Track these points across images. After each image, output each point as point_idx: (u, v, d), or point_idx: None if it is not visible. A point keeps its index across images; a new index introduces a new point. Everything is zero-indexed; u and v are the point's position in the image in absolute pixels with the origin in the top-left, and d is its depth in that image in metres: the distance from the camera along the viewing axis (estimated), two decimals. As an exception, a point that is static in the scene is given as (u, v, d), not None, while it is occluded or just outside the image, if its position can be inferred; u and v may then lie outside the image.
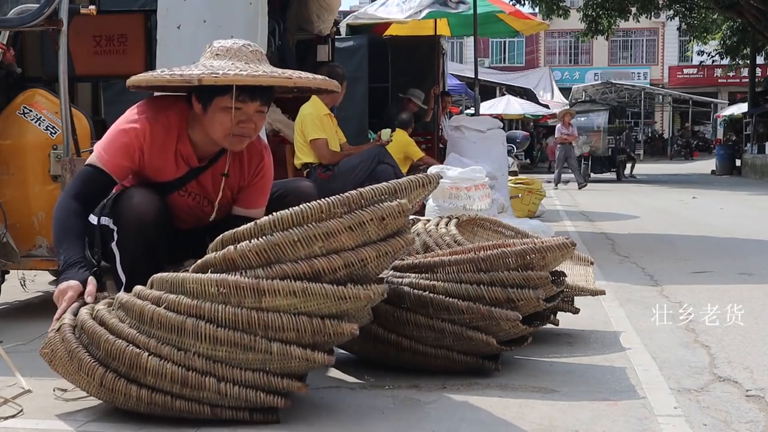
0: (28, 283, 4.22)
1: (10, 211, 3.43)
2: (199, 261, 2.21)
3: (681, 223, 8.48)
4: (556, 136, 16.12)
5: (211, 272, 2.16)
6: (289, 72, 2.63)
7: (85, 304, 2.38)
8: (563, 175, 16.00)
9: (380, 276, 2.38)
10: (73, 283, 2.44)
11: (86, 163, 2.68)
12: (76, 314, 2.32)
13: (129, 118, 2.69)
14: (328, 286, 2.08)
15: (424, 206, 5.66)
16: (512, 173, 10.26)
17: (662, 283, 4.62)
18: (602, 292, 3.40)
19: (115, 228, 2.66)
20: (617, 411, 2.38)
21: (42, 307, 4.16)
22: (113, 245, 2.68)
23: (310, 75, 2.69)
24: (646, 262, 5.47)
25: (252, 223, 2.14)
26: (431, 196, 4.40)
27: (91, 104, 5.20)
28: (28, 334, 3.33)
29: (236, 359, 2.11)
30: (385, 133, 6.54)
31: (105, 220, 2.71)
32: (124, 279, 2.68)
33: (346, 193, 2.13)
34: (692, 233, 7.47)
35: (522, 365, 2.85)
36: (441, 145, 9.12)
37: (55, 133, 3.49)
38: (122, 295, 2.26)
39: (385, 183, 2.23)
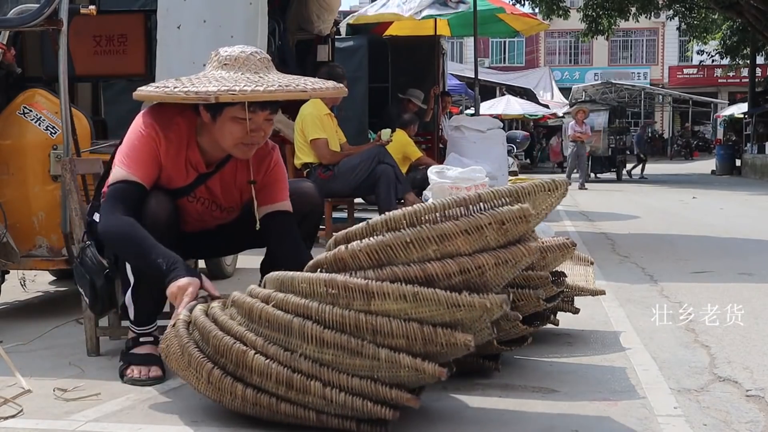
0: (28, 283, 4.22)
1: (10, 211, 3.42)
2: (312, 261, 2.16)
3: (681, 223, 8.49)
4: (569, 133, 15.67)
5: (321, 272, 2.10)
6: (302, 83, 2.57)
7: (204, 302, 2.39)
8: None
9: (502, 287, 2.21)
10: (193, 279, 2.46)
11: (112, 182, 2.63)
12: (191, 311, 2.32)
13: (142, 127, 2.67)
14: (441, 291, 1.96)
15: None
16: (512, 173, 10.27)
17: (662, 283, 4.62)
18: (602, 292, 3.40)
19: None
20: (617, 411, 2.38)
21: (42, 307, 4.17)
22: None
23: (321, 83, 2.66)
24: (646, 262, 5.47)
25: (364, 222, 2.08)
26: (431, 196, 4.39)
27: (91, 104, 5.21)
28: (28, 334, 3.33)
29: (343, 363, 2.02)
30: (385, 133, 6.55)
31: None
32: (132, 280, 2.69)
33: (463, 195, 2.03)
34: (692, 233, 7.47)
35: (522, 365, 2.85)
36: (441, 145, 9.14)
37: (55, 133, 3.48)
38: (235, 294, 2.24)
39: (506, 186, 2.11)
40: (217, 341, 2.13)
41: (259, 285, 2.28)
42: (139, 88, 2.62)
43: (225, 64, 2.58)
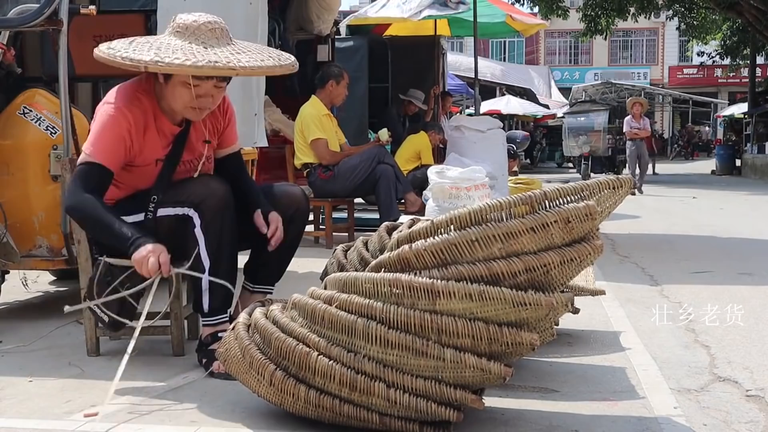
0: (29, 283, 4.22)
1: (10, 211, 3.42)
2: (374, 261, 2.16)
3: (681, 223, 8.48)
4: (624, 130, 13.98)
5: (384, 272, 2.08)
6: (235, 60, 2.61)
7: (262, 305, 2.39)
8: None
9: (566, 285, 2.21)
10: (159, 246, 2.57)
11: (78, 164, 2.73)
12: (250, 314, 2.32)
13: (106, 111, 2.76)
14: (507, 290, 1.95)
15: (423, 206, 5.67)
16: (512, 173, 10.26)
17: (662, 283, 4.62)
18: (602, 292, 3.40)
19: (197, 213, 2.72)
20: (617, 411, 2.38)
21: (42, 307, 4.17)
22: (196, 231, 2.72)
23: (260, 61, 2.68)
24: (646, 262, 5.47)
25: (429, 221, 2.09)
26: (431, 196, 4.39)
27: (91, 104, 5.20)
28: (28, 334, 3.33)
29: (407, 364, 2.01)
30: (383, 133, 6.55)
31: (177, 210, 2.76)
32: (207, 263, 2.73)
33: (529, 192, 2.00)
34: (692, 233, 7.48)
35: (522, 365, 2.85)
36: (441, 145, 9.14)
37: (55, 133, 3.48)
38: (296, 296, 2.23)
39: (572, 183, 2.10)
40: (280, 343, 2.12)
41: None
42: (98, 48, 2.70)
43: (177, 32, 2.67)
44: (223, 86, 2.77)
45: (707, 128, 33.52)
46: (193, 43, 2.62)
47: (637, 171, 13.46)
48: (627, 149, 13.92)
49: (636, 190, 12.81)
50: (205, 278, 2.74)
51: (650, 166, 14.85)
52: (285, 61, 2.76)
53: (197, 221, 2.73)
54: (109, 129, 2.71)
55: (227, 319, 2.81)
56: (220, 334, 2.74)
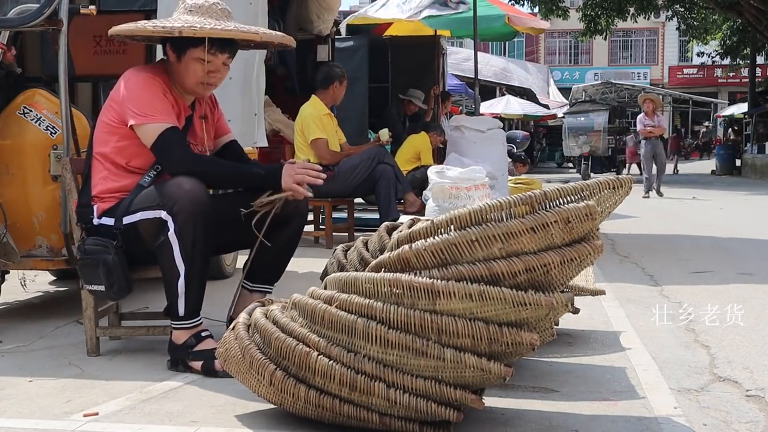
0: (28, 283, 4.22)
1: (10, 211, 3.42)
2: (374, 261, 2.16)
3: (681, 223, 8.49)
4: (638, 128, 13.01)
5: (384, 272, 2.07)
6: (255, 28, 2.96)
7: (262, 305, 2.38)
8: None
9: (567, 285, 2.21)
10: (288, 165, 2.89)
11: (158, 135, 2.78)
12: (250, 314, 2.32)
13: (142, 78, 2.87)
14: (507, 290, 1.95)
15: (423, 206, 5.67)
16: (512, 173, 10.26)
17: (662, 283, 4.62)
18: (602, 292, 3.40)
19: (170, 217, 2.68)
20: (617, 411, 2.38)
21: (42, 307, 4.17)
22: (170, 235, 2.68)
23: (273, 32, 3.05)
24: (646, 262, 5.47)
25: (429, 221, 2.09)
26: (431, 196, 4.40)
27: (91, 104, 5.21)
28: (28, 334, 3.33)
29: (407, 364, 2.01)
30: (383, 133, 6.55)
31: (150, 214, 2.73)
32: (183, 269, 2.70)
33: (529, 192, 2.00)
34: (692, 233, 7.48)
35: (522, 365, 2.85)
36: (441, 145, 9.15)
37: (55, 133, 3.48)
38: (296, 296, 2.23)
39: (572, 183, 2.10)
40: (280, 343, 2.12)
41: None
42: (113, 27, 2.90)
43: (190, 11, 2.87)
44: (229, 64, 2.95)
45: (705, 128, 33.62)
46: (208, 18, 2.83)
47: (654, 171, 12.65)
48: (642, 149, 12.87)
49: (655, 192, 12.41)
50: (181, 282, 2.71)
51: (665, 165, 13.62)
52: (281, 34, 3.09)
53: (171, 225, 2.68)
54: (151, 90, 2.84)
55: (201, 321, 2.81)
56: (203, 334, 2.77)
